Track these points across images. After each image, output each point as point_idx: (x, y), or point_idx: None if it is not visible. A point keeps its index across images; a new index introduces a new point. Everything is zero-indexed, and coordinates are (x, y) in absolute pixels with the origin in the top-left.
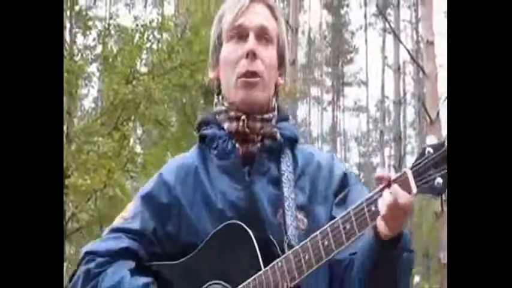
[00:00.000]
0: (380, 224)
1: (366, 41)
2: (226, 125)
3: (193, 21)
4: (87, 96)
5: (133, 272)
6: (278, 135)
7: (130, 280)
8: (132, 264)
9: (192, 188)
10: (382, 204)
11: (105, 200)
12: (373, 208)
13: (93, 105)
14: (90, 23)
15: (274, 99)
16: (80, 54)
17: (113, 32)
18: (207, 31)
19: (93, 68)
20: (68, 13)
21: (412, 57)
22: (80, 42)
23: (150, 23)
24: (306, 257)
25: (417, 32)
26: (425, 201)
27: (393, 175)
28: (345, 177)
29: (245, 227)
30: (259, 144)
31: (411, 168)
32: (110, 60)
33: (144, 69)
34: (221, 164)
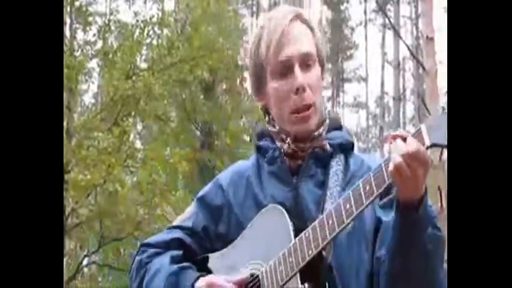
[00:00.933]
0: (394, 174)
1: (366, 37)
2: (277, 143)
3: (193, 17)
4: (87, 91)
5: (175, 259)
6: (327, 147)
7: (170, 265)
8: (179, 252)
9: (243, 192)
10: (395, 154)
11: (105, 195)
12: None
13: (93, 100)
14: (90, 18)
15: (323, 110)
16: (80, 50)
17: (113, 27)
18: (207, 27)
19: (93, 63)
20: (68, 9)
21: (411, 53)
22: (80, 38)
23: (150, 18)
24: (330, 221)
25: (417, 28)
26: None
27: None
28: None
29: (280, 208)
30: (309, 152)
31: (426, 123)
32: (110, 55)
33: (144, 65)
34: (271, 170)
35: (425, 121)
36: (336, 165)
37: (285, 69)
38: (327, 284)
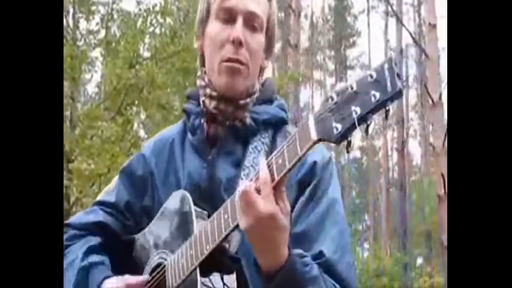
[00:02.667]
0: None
1: (369, 24)
2: (201, 99)
3: (195, 6)
4: (90, 81)
5: (91, 250)
6: (248, 120)
7: (83, 258)
8: (97, 239)
9: (165, 162)
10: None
11: (109, 184)
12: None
13: (96, 90)
14: (93, 7)
15: (256, 82)
16: (83, 39)
17: (115, 16)
18: None
19: (96, 52)
20: None
21: (414, 40)
22: (82, 27)
23: (153, 7)
24: (225, 216)
25: (419, 15)
26: (428, 184)
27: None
28: (314, 166)
29: (187, 195)
30: (227, 126)
31: (314, 115)
32: (113, 45)
33: (147, 54)
34: (191, 141)
35: (315, 112)
36: (258, 142)
37: (228, 17)
38: (232, 275)
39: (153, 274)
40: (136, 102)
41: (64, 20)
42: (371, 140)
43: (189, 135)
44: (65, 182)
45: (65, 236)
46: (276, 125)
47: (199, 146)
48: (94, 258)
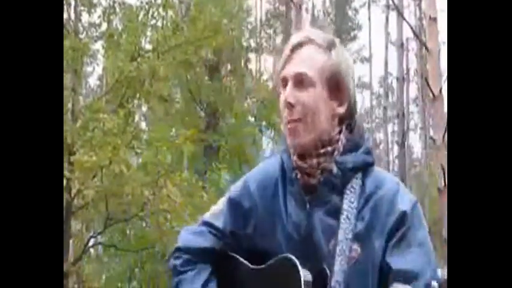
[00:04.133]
0: None
1: (369, 17)
2: (291, 158)
3: None
4: (92, 73)
5: (206, 283)
6: (335, 170)
7: None
8: (208, 269)
9: (269, 201)
10: None
11: (110, 176)
12: None
13: (98, 82)
14: (95, 0)
15: (338, 129)
16: (84, 32)
17: (117, 9)
18: (211, 8)
19: (98, 45)
20: None
21: (415, 34)
22: (84, 20)
23: (155, 0)
24: None
25: (420, 9)
26: (428, 176)
27: None
28: (403, 216)
29: (296, 262)
30: (320, 177)
31: None
32: (115, 37)
33: (148, 47)
34: (290, 189)
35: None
36: (351, 190)
37: (284, 84)
38: None
39: None
40: (138, 94)
41: (66, 13)
42: (372, 133)
43: (288, 184)
44: (67, 174)
45: (178, 261)
46: (364, 169)
47: (296, 195)
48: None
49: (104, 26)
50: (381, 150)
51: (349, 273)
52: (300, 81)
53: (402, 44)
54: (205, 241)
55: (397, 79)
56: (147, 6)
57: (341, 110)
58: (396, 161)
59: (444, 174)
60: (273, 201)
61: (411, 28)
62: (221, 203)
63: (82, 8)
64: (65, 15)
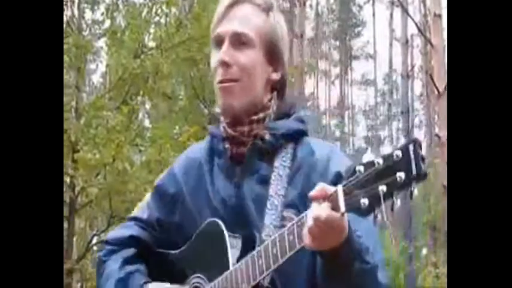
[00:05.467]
0: (306, 236)
1: (374, 14)
2: (221, 126)
3: None
4: (95, 71)
5: (126, 261)
6: (267, 136)
7: (119, 269)
8: (131, 250)
9: (195, 182)
10: (309, 217)
11: (114, 174)
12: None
13: (101, 80)
14: None
15: (269, 96)
16: (88, 29)
17: (121, 6)
18: (215, 5)
19: (101, 42)
20: None
21: (419, 30)
22: (88, 17)
23: None
24: (260, 262)
25: (425, 5)
26: (434, 173)
27: (330, 191)
28: (338, 177)
29: (221, 225)
30: (249, 145)
31: (343, 186)
32: (118, 35)
33: (152, 44)
34: (218, 162)
35: (343, 183)
36: (281, 157)
37: (218, 44)
38: None
39: None
40: (142, 92)
41: (69, 10)
42: (376, 130)
43: (216, 158)
44: (70, 171)
45: (101, 253)
46: (297, 138)
47: (226, 168)
48: (130, 268)
49: (107, 23)
50: (385, 147)
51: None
52: (238, 41)
53: (407, 41)
54: (130, 231)
55: (402, 76)
56: (150, 3)
57: (275, 76)
58: None
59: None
60: (199, 183)
61: (416, 24)
62: (147, 197)
63: (85, 5)
64: (68, 13)
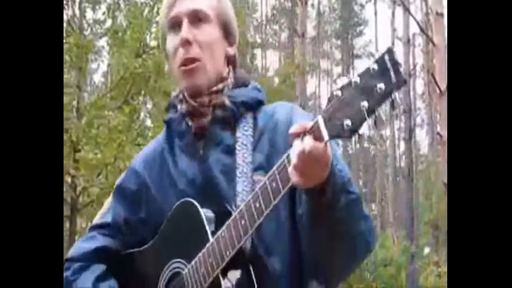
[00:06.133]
0: (292, 173)
1: (376, 13)
2: (178, 107)
3: None
4: (96, 70)
5: (98, 280)
6: (227, 103)
7: None
8: (101, 267)
9: (158, 172)
10: (293, 154)
11: (116, 173)
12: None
13: (103, 79)
14: None
15: (227, 69)
16: (89, 29)
17: (122, 5)
18: None
19: (102, 42)
20: None
21: (421, 29)
22: (89, 17)
23: None
24: (242, 221)
25: (426, 4)
26: (435, 172)
27: (309, 125)
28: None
29: (194, 202)
30: (210, 117)
31: (323, 115)
32: (120, 34)
33: (153, 43)
34: (180, 144)
35: (322, 112)
36: (243, 126)
37: (175, 25)
38: (251, 268)
39: (172, 284)
40: (143, 91)
41: (70, 10)
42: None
43: (177, 142)
44: (72, 171)
45: (68, 272)
46: (255, 107)
47: (189, 145)
48: (104, 286)
49: (109, 22)
50: (387, 146)
51: None
52: (196, 18)
53: (409, 40)
54: (96, 243)
55: (404, 74)
56: (151, 3)
57: (231, 51)
58: (403, 157)
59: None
60: (161, 171)
61: (418, 23)
62: (107, 202)
63: (86, 4)
64: (70, 12)
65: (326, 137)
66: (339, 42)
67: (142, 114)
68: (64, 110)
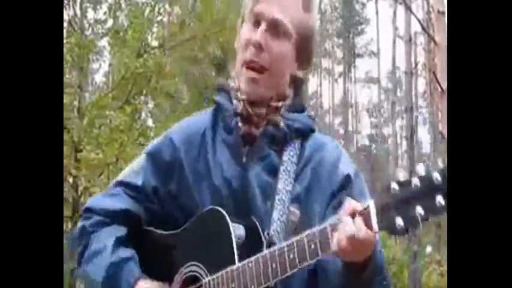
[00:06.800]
0: (337, 251)
1: (377, 12)
2: (234, 102)
3: None
4: (98, 70)
5: (119, 242)
6: (282, 124)
7: (112, 251)
8: (123, 230)
9: (195, 153)
10: (341, 234)
11: (117, 173)
12: (335, 234)
13: (104, 79)
14: None
15: (288, 90)
16: (90, 29)
17: (123, 5)
18: (218, 4)
19: (104, 42)
20: None
21: (423, 28)
22: (90, 17)
23: None
24: (273, 265)
25: (428, 3)
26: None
27: (360, 207)
28: (347, 179)
29: (225, 215)
30: (261, 129)
31: (375, 202)
32: (121, 34)
33: (155, 43)
34: (225, 137)
35: (375, 198)
36: (290, 151)
37: (255, 21)
38: None
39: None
40: (144, 91)
41: (71, 10)
42: (380, 128)
43: (222, 131)
44: (73, 171)
45: (88, 222)
46: (306, 135)
47: (233, 145)
48: (124, 253)
49: (110, 22)
50: (389, 144)
51: (288, 237)
52: (276, 28)
53: (410, 38)
54: (121, 203)
55: (405, 73)
56: (153, 2)
57: (300, 73)
58: (405, 156)
59: None
60: (200, 155)
61: (419, 22)
62: (138, 162)
63: (87, 4)
64: (71, 12)
65: (376, 227)
66: (340, 40)
67: (143, 114)
68: (65, 110)
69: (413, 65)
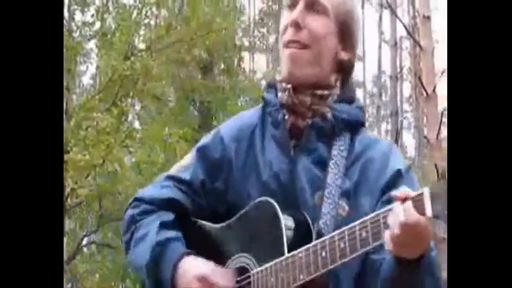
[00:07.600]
0: (389, 240)
1: (363, 16)
2: (279, 94)
3: None
4: (85, 72)
5: (165, 225)
6: (329, 115)
7: (158, 233)
8: (170, 215)
9: (245, 150)
10: (393, 220)
11: (104, 175)
12: (387, 221)
13: (91, 81)
14: None
15: (335, 76)
16: (78, 31)
17: (111, 8)
18: (205, 7)
19: (91, 44)
20: None
21: (408, 32)
22: (78, 19)
23: None
24: (323, 254)
25: (414, 7)
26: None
27: (412, 194)
28: (398, 174)
29: (276, 206)
30: (309, 121)
31: (430, 189)
32: (108, 36)
33: (142, 46)
34: (273, 133)
35: (429, 186)
36: (339, 145)
37: (292, 3)
38: None
39: (238, 279)
40: (131, 93)
41: None
42: (365, 132)
43: (270, 126)
44: None
45: (136, 210)
46: (355, 127)
47: (281, 139)
48: (169, 233)
49: (97, 24)
50: None
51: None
52: (313, 6)
53: (396, 43)
54: (170, 193)
55: (391, 78)
56: (140, 5)
57: (345, 56)
58: None
59: (438, 173)
60: (249, 152)
61: (405, 27)
62: (188, 157)
63: (75, 6)
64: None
65: (429, 213)
66: None
67: (130, 116)
68: None
69: (398, 70)
